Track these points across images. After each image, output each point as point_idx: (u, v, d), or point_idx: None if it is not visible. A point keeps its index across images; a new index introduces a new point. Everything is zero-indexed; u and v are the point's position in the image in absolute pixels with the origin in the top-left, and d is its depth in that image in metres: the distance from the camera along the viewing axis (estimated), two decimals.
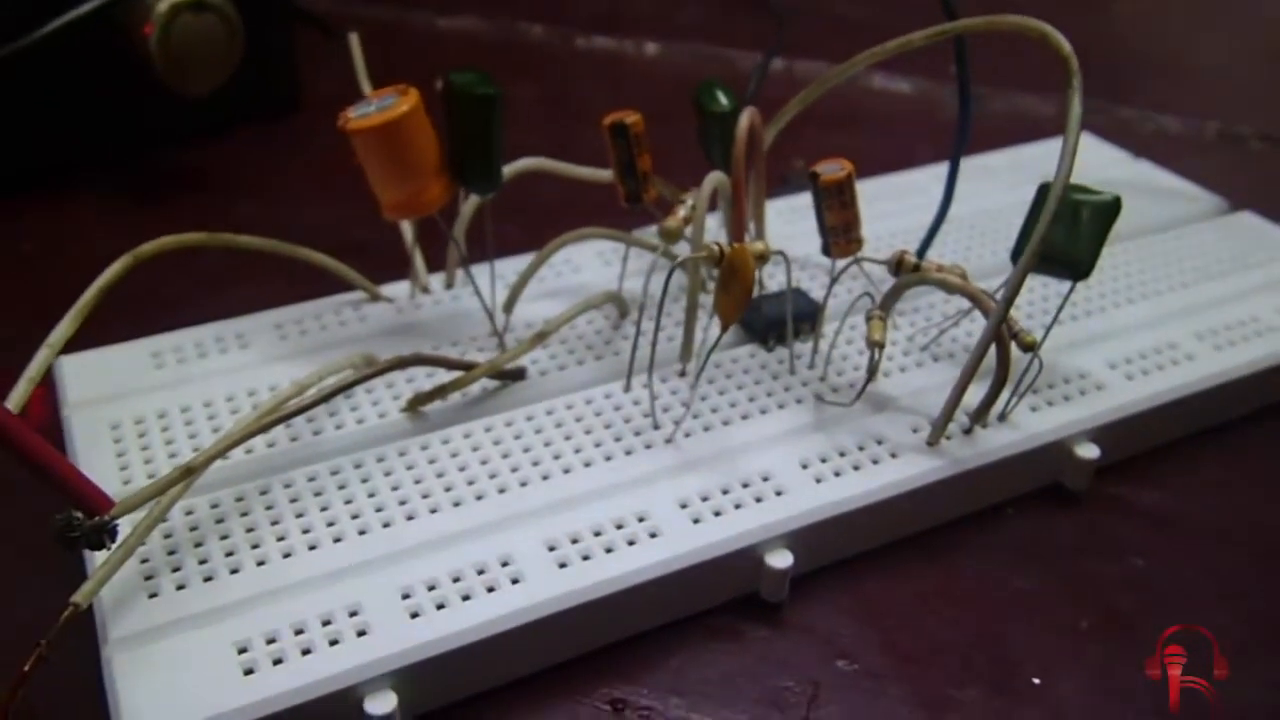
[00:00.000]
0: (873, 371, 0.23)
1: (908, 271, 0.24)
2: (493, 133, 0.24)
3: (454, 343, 0.26)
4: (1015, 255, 0.23)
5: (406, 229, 0.28)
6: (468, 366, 0.24)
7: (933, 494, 0.23)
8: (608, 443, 0.23)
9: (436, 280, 0.28)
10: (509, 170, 0.27)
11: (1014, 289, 0.21)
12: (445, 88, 0.24)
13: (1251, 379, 0.26)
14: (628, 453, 0.23)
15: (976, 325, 0.27)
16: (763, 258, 0.23)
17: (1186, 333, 0.27)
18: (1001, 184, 0.34)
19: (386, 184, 0.24)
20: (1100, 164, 0.35)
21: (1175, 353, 0.26)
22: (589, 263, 0.29)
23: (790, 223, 0.31)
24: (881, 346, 0.23)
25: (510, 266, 0.28)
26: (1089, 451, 0.24)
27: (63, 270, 0.22)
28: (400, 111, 0.23)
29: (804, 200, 0.32)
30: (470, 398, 0.25)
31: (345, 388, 0.22)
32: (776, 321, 0.26)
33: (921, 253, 0.27)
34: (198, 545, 0.21)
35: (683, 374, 0.25)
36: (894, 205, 0.32)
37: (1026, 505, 0.24)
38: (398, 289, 0.28)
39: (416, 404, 0.24)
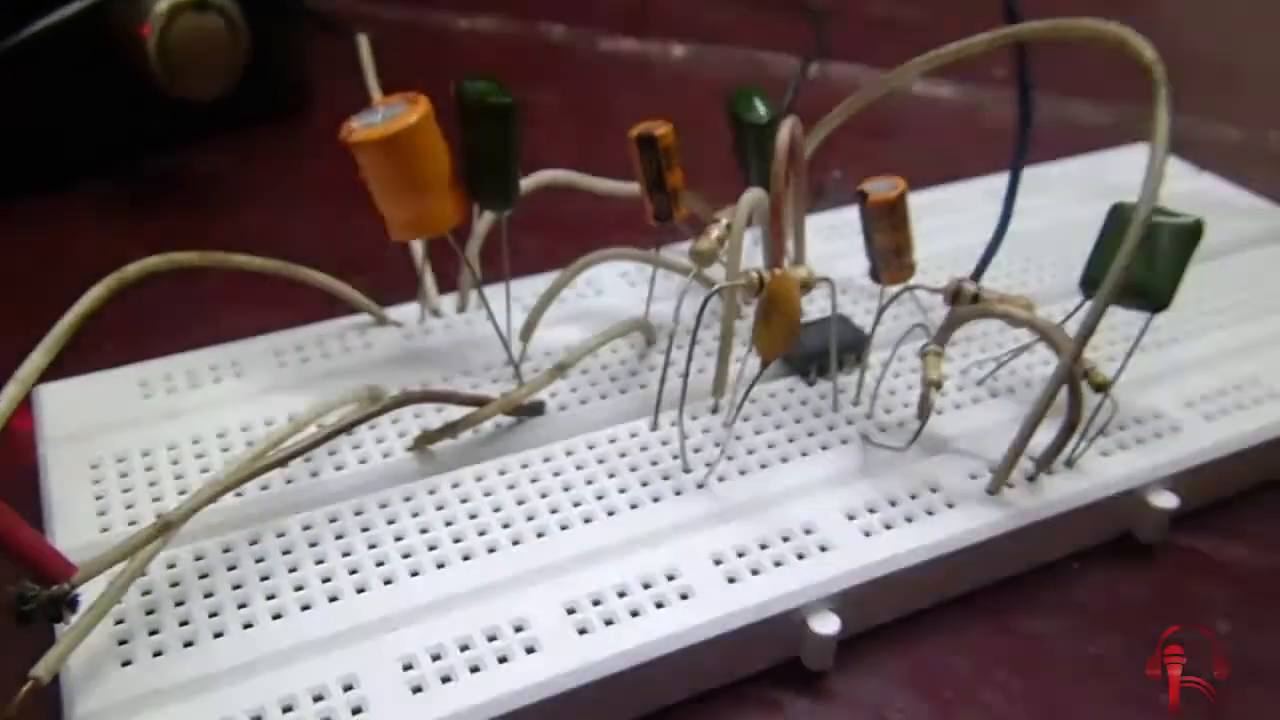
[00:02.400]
0: (926, 413, 0.20)
1: (965, 302, 0.21)
2: (509, 145, 0.22)
3: (465, 372, 0.24)
4: (1085, 282, 0.21)
5: (416, 246, 0.26)
6: (480, 402, 0.22)
7: (995, 549, 0.21)
8: (633, 488, 0.21)
9: (448, 302, 0.26)
10: (527, 184, 0.25)
11: (1090, 326, 0.19)
12: (458, 97, 0.22)
13: None
14: (655, 500, 0.21)
15: (1038, 356, 0.25)
16: (806, 286, 0.21)
17: (1268, 366, 0.25)
18: (1057, 199, 0.31)
19: (394, 201, 0.22)
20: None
21: (1258, 390, 0.24)
22: (613, 284, 0.27)
23: (828, 240, 0.29)
24: (938, 386, 0.20)
25: (527, 287, 0.26)
26: (1166, 501, 0.22)
27: (59, 284, 0.20)
28: (408, 122, 0.21)
29: (843, 216, 0.30)
30: (482, 435, 0.22)
31: (346, 428, 0.20)
32: (818, 353, 0.24)
33: (977, 275, 0.25)
34: (178, 604, 0.19)
35: (715, 410, 0.23)
36: (939, 222, 0.30)
37: (1094, 559, 0.22)
38: (406, 312, 0.26)
39: (424, 442, 0.22)
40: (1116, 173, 0.33)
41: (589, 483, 0.21)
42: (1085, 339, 0.19)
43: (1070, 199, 0.31)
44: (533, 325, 0.24)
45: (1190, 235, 0.21)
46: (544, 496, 0.21)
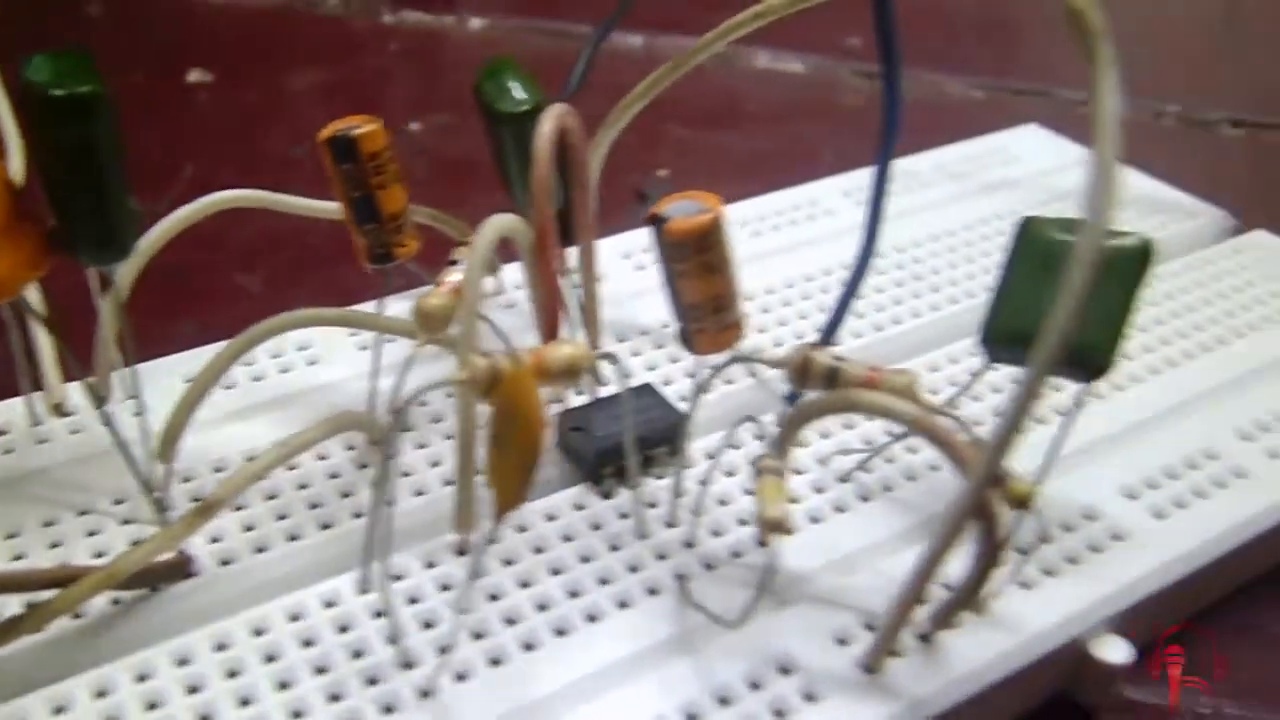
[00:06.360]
0: (768, 577, 0.13)
1: (819, 381, 0.14)
2: (99, 159, 0.14)
3: (82, 510, 0.16)
4: (988, 337, 0.14)
5: (34, 299, 0.18)
6: (60, 581, 0.14)
7: None
8: (314, 710, 0.13)
9: (79, 391, 0.18)
10: (192, 210, 0.17)
11: (1013, 426, 0.12)
12: (21, 85, 0.13)
13: None
14: None
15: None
16: (572, 372, 0.13)
17: (1228, 432, 0.18)
18: (935, 198, 0.25)
19: None
20: (1055, 167, 0.26)
21: (1218, 466, 0.17)
22: (335, 349, 0.19)
23: (648, 268, 0.22)
24: (783, 530, 0.13)
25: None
26: (1114, 652, 0.15)
27: None
28: None
29: None
30: (86, 622, 0.14)
31: None
32: (616, 447, 0.16)
33: (832, 329, 0.18)
34: None
35: (463, 553, 0.15)
36: (793, 236, 0.23)
37: None
38: (8, 410, 0.17)
39: None
40: (1004, 162, 0.26)
41: (245, 704, 0.13)
42: (1003, 449, 0.12)
43: (950, 196, 0.24)
44: (174, 434, 0.15)
45: (1135, 264, 0.14)
46: None
